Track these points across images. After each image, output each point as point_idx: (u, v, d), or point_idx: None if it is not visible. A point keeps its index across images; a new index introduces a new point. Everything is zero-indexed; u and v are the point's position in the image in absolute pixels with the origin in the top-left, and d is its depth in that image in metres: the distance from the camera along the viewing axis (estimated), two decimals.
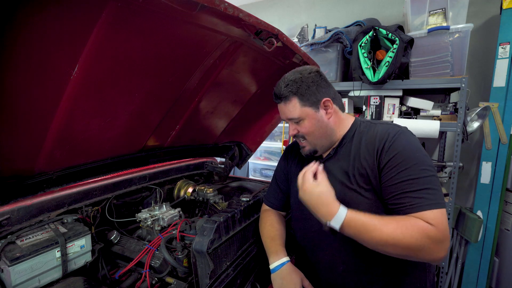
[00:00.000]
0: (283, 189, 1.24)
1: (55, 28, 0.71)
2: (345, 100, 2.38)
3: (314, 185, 0.87)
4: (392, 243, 0.77)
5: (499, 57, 1.94)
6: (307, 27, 2.85)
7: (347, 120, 1.05)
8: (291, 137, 1.05)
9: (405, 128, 0.94)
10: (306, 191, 0.88)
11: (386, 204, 0.88)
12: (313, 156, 1.05)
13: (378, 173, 0.89)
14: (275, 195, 1.25)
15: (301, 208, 1.01)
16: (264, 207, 1.28)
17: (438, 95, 2.40)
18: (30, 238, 0.97)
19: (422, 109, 2.07)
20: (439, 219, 0.77)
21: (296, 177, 1.04)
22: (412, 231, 0.75)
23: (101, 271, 1.10)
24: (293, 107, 0.96)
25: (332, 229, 0.83)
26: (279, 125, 2.54)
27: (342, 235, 0.84)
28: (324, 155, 1.06)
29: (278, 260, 1.04)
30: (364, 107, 2.24)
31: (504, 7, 1.92)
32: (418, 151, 0.86)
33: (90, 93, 0.94)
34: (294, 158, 1.20)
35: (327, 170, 0.98)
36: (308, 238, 1.08)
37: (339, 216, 0.81)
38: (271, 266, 1.05)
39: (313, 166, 0.92)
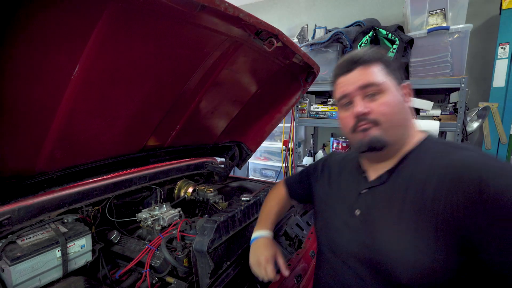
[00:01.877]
0: (305, 187, 1.08)
1: (56, 28, 0.71)
2: None
3: None
4: None
5: (498, 57, 1.95)
6: (307, 27, 2.85)
7: (417, 132, 0.76)
8: (355, 117, 0.72)
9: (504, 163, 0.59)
10: None
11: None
12: (372, 151, 0.73)
13: (466, 228, 0.56)
14: (298, 184, 1.12)
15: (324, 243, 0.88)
16: (282, 184, 1.19)
17: (438, 95, 2.41)
18: (30, 237, 0.97)
19: (422, 109, 2.08)
20: None
21: (324, 190, 0.93)
22: None
23: (102, 270, 1.11)
24: (375, 73, 0.72)
25: None
26: (279, 125, 2.55)
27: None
28: (373, 177, 0.78)
29: (259, 231, 1.01)
30: None
31: (503, 7, 1.93)
32: None
33: (91, 93, 0.94)
34: (333, 169, 0.97)
35: (369, 204, 0.74)
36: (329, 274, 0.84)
37: None
38: (252, 236, 1.02)
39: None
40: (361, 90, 0.72)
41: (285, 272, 0.90)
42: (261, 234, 1.01)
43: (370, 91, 0.71)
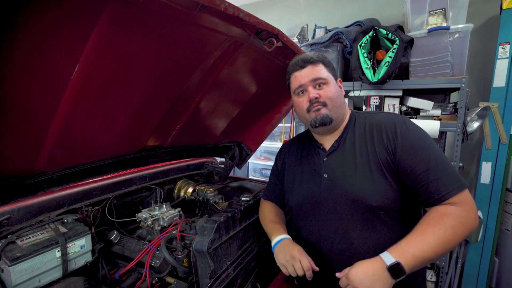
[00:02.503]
0: (280, 186, 1.23)
1: (55, 28, 0.71)
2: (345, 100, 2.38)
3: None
4: (448, 249, 0.79)
5: (499, 57, 1.94)
6: (307, 27, 2.85)
7: (348, 111, 1.08)
8: (309, 100, 0.99)
9: (406, 116, 1.01)
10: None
11: (412, 192, 0.89)
12: (324, 126, 0.99)
13: (393, 160, 0.90)
14: (274, 191, 1.25)
15: (304, 206, 1.05)
16: (263, 201, 1.29)
17: (438, 95, 2.40)
18: (30, 238, 0.97)
19: (422, 109, 2.07)
20: (467, 199, 0.83)
21: (294, 169, 1.13)
22: (455, 228, 0.79)
23: (101, 271, 1.11)
24: (321, 70, 0.99)
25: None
26: (279, 125, 2.55)
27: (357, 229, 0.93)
28: (328, 147, 1.04)
29: (279, 236, 1.05)
30: (364, 107, 2.24)
31: (504, 7, 1.92)
32: (428, 137, 0.92)
33: (91, 93, 0.94)
34: (289, 152, 1.21)
35: (331, 164, 1.00)
36: (316, 233, 1.04)
37: (400, 271, 0.76)
38: (272, 243, 1.05)
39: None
40: (313, 82, 0.99)
41: (315, 267, 0.95)
42: (281, 237, 1.04)
43: (318, 82, 0.99)
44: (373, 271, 0.78)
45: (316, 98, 0.98)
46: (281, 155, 1.25)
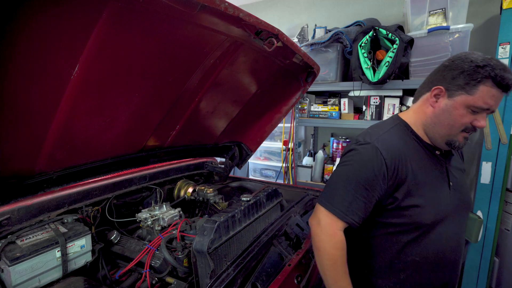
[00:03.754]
0: (373, 200, 0.91)
1: (55, 28, 0.71)
2: (345, 100, 2.38)
3: None
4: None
5: (499, 57, 1.94)
6: (307, 27, 2.85)
7: None
8: (474, 128, 0.89)
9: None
10: None
11: None
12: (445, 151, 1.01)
13: None
14: (362, 210, 0.89)
15: (438, 220, 0.92)
16: (335, 226, 0.90)
17: None
18: (30, 238, 0.97)
19: None
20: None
21: (422, 179, 0.92)
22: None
23: (101, 271, 1.10)
24: None
25: None
26: (279, 125, 2.54)
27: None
28: (437, 151, 1.01)
29: None
30: (364, 107, 2.24)
31: (504, 7, 1.92)
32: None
33: (91, 93, 0.94)
34: (405, 158, 0.93)
35: (452, 171, 1.02)
36: (444, 245, 0.95)
37: None
38: None
39: None
40: (492, 112, 0.87)
41: None
42: None
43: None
44: None
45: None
46: (392, 163, 0.90)
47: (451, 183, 0.98)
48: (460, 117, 0.87)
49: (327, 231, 0.89)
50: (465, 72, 0.83)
